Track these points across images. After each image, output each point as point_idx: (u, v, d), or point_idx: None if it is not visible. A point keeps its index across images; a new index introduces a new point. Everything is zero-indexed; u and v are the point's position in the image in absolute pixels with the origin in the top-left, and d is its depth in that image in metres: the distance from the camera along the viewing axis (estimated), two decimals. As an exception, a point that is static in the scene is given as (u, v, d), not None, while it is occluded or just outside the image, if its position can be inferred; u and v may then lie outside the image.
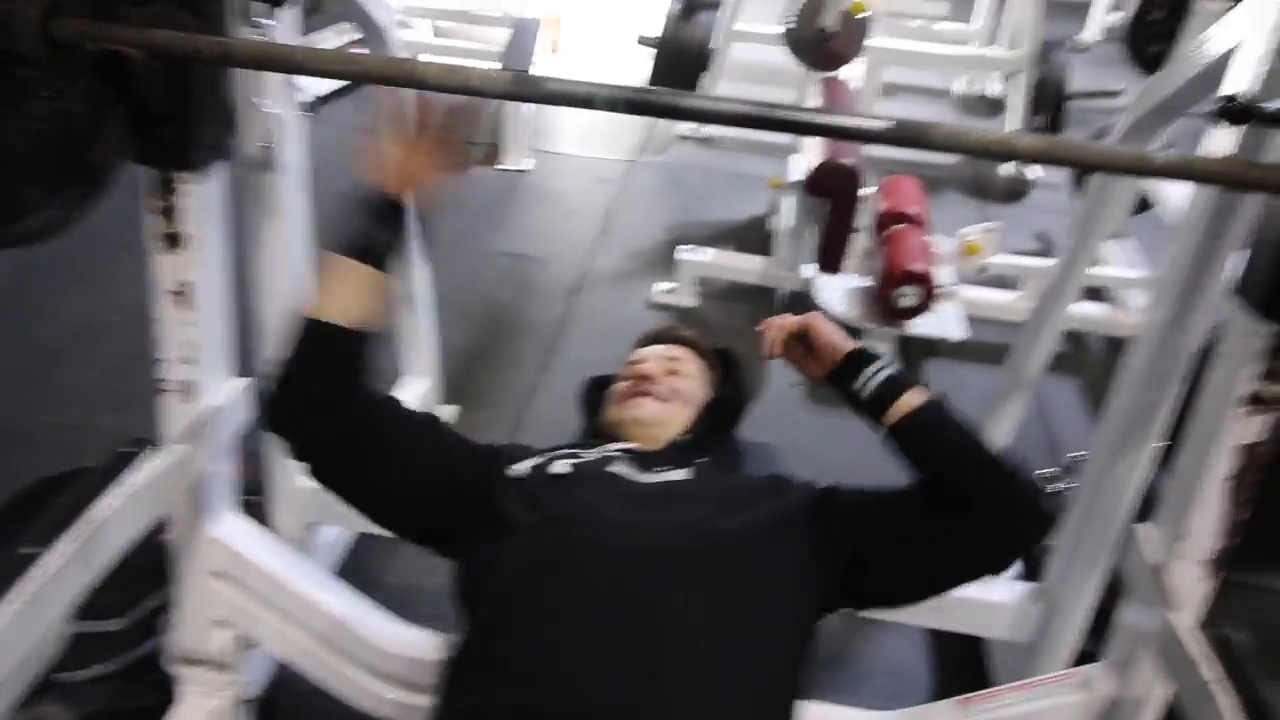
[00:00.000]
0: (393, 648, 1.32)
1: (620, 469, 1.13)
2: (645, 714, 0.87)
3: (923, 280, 2.44)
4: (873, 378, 1.06)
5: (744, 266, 2.87)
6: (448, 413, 2.30)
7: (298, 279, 1.42)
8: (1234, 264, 1.08)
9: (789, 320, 1.12)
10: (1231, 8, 1.33)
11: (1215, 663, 1.02)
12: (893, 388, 1.06)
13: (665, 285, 2.87)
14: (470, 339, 2.63)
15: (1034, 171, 3.99)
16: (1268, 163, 1.02)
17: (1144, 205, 3.19)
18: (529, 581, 0.97)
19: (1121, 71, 4.38)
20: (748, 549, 1.02)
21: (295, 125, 1.29)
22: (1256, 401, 1.05)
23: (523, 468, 1.11)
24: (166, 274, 1.16)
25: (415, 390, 2.14)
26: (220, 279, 1.22)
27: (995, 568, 1.05)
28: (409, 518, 1.09)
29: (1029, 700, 1.26)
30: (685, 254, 2.81)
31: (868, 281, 2.72)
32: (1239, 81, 1.15)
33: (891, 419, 1.05)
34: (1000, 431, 2.13)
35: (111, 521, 1.07)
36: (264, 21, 1.17)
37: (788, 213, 3.03)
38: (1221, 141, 1.19)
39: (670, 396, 1.25)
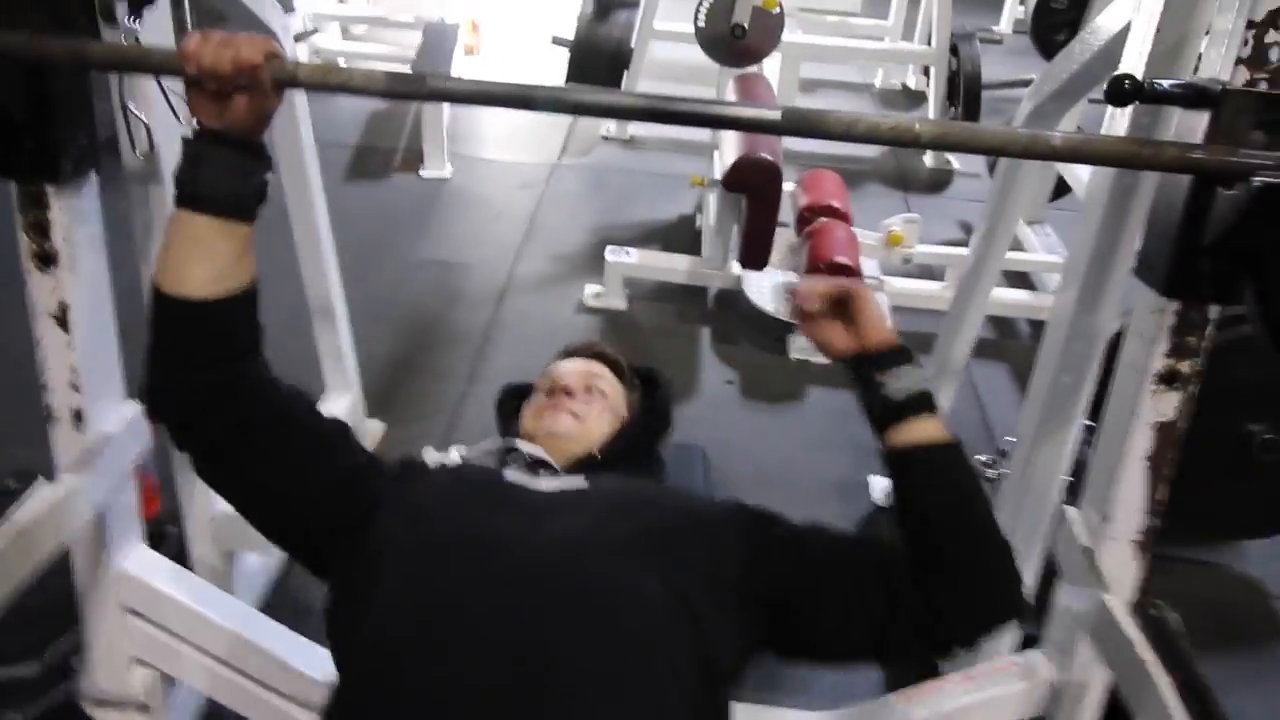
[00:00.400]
0: (317, 675, 1.26)
1: (515, 475, 1.08)
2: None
3: (850, 273, 2.44)
4: (908, 382, 0.96)
5: (671, 266, 2.84)
6: (373, 427, 2.24)
7: (320, 248, 1.35)
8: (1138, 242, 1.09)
9: (834, 284, 1.01)
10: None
11: (1149, 644, 1.01)
12: (921, 405, 0.96)
13: (594, 288, 2.84)
14: (396, 350, 2.57)
15: (956, 161, 4.04)
16: (1158, 140, 1.02)
17: (1060, 191, 3.26)
18: (403, 617, 0.90)
19: (1034, 61, 4.49)
20: (636, 561, 0.94)
21: (175, 132, 1.22)
22: (1168, 379, 1.05)
23: (403, 469, 1.06)
24: (44, 296, 1.09)
25: (338, 405, 2.08)
26: (104, 298, 1.15)
27: (952, 642, 0.96)
28: (288, 520, 1.00)
29: (973, 691, 1.25)
30: (613, 255, 2.77)
31: (794, 276, 2.72)
32: (1131, 62, 1.16)
33: (902, 439, 0.95)
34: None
35: (3, 559, 1.00)
36: (129, 25, 1.10)
37: (712, 211, 3.02)
38: (1121, 122, 1.20)
39: (585, 414, 1.20)
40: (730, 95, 2.79)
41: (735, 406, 2.47)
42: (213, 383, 0.92)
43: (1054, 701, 1.22)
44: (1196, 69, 1.12)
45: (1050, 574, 1.43)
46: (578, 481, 1.06)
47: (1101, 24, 1.36)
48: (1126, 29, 1.23)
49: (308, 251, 1.86)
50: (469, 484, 1.05)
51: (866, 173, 3.91)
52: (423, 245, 3.14)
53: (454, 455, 1.19)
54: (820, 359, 2.61)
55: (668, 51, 3.87)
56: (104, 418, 1.17)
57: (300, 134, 1.75)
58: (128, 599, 1.26)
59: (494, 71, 4.58)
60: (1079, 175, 2.78)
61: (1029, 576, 1.41)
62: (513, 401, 1.32)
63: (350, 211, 2.99)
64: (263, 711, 1.30)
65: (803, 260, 2.59)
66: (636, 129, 4.06)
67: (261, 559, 1.74)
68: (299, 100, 1.70)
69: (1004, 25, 5.96)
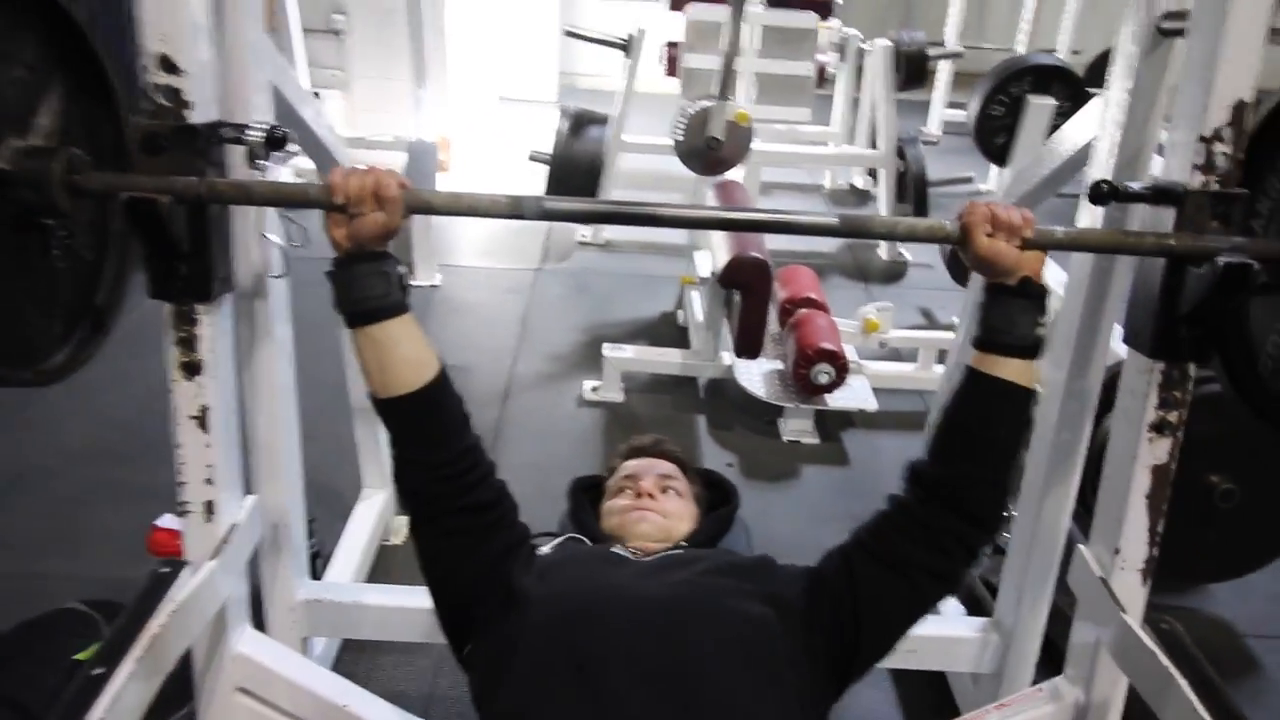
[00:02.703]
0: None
1: (621, 552, 1.26)
2: None
3: (835, 358, 2.66)
4: (1035, 328, 1.12)
5: (665, 359, 3.04)
6: (400, 523, 2.34)
7: (288, 397, 1.49)
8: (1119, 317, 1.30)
9: (1013, 213, 1.11)
10: (1060, 106, 1.59)
11: (1166, 654, 1.18)
12: (1035, 350, 1.12)
13: (592, 383, 3.01)
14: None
15: (908, 254, 4.35)
16: (1138, 231, 1.25)
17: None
18: (554, 643, 1.06)
19: (967, 160, 4.88)
20: (738, 593, 1.13)
21: (284, 256, 1.38)
22: (1159, 428, 1.25)
23: (542, 546, 1.23)
24: (187, 400, 1.23)
25: (375, 501, 2.20)
26: (233, 404, 1.30)
27: (963, 562, 1.17)
28: (465, 583, 1.17)
29: (1007, 718, 1.40)
30: (610, 351, 2.96)
31: (780, 365, 2.92)
32: (1099, 168, 1.40)
33: (1002, 370, 1.12)
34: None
35: (162, 638, 1.11)
36: (263, 163, 1.27)
37: (697, 307, 3.24)
38: (1088, 216, 1.43)
39: (669, 514, 1.39)
40: (711, 199, 3.04)
41: (740, 486, 2.62)
42: (444, 461, 1.12)
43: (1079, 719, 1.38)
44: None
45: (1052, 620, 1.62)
46: (679, 552, 1.24)
47: (1066, 135, 1.62)
48: (1084, 150, 1.48)
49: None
50: (586, 554, 1.22)
51: (829, 267, 4.19)
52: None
53: (545, 549, 1.34)
54: (809, 439, 2.82)
55: (638, 162, 4.14)
56: (231, 509, 1.30)
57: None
58: (241, 679, 1.36)
59: (467, 185, 4.82)
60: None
61: (1042, 613, 1.59)
62: (584, 495, 1.51)
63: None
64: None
65: (789, 348, 2.80)
66: (611, 233, 4.30)
67: (327, 643, 1.82)
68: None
69: (933, 128, 6.42)
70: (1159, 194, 1.20)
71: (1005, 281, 1.14)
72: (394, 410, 1.15)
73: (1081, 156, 1.51)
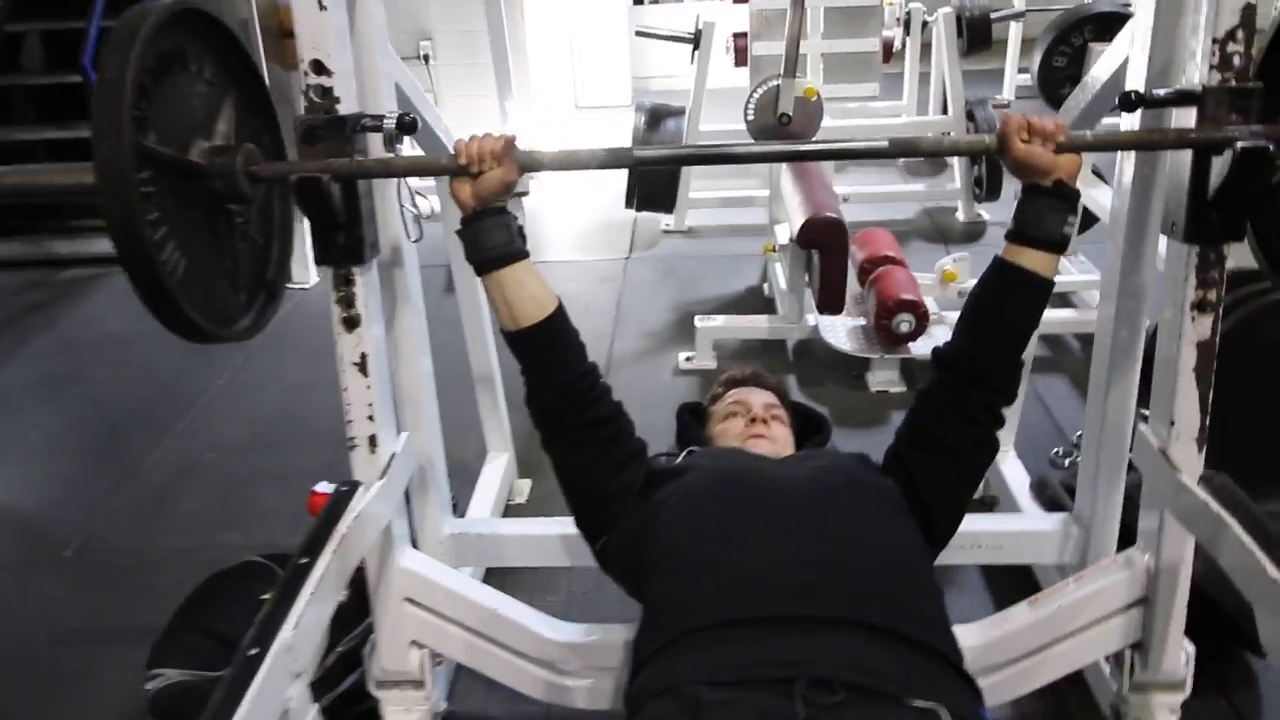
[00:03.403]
0: (556, 638, 1.59)
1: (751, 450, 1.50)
2: (849, 592, 1.16)
3: (915, 307, 2.79)
4: (1066, 226, 1.28)
5: (754, 325, 3.22)
6: (522, 485, 2.57)
7: (424, 349, 1.73)
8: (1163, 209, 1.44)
9: (1046, 121, 1.25)
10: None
11: (1218, 501, 1.31)
12: (1062, 245, 1.30)
13: (686, 353, 3.21)
14: (527, 422, 2.93)
15: (986, 214, 4.42)
16: (1164, 129, 1.38)
17: (1086, 225, 3.61)
18: (707, 520, 1.26)
19: (1042, 117, 4.91)
20: (869, 481, 1.34)
21: (419, 224, 1.62)
22: (1200, 306, 1.38)
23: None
24: (350, 350, 1.47)
25: (499, 463, 2.43)
26: (384, 352, 1.54)
27: (991, 427, 1.37)
28: (594, 483, 1.39)
29: (1087, 585, 1.54)
30: (701, 322, 3.16)
31: (863, 320, 3.07)
32: (1133, 81, 1.53)
33: (1029, 261, 1.30)
34: (1009, 427, 2.45)
35: (348, 539, 1.34)
36: (398, 146, 1.51)
37: (779, 273, 3.41)
38: (1127, 126, 1.56)
39: (776, 440, 1.58)
40: (787, 177, 3.21)
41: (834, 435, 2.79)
42: (566, 381, 1.34)
43: (1151, 582, 1.51)
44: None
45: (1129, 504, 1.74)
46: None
47: (1102, 68, 1.75)
48: (1122, 67, 1.61)
49: (473, 327, 2.25)
50: (718, 451, 1.43)
51: (908, 232, 4.30)
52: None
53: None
54: (896, 388, 2.96)
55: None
56: (389, 442, 1.54)
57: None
58: (408, 590, 1.60)
59: (552, 190, 5.09)
60: (1103, 204, 3.14)
61: (1117, 501, 1.72)
62: (691, 417, 1.71)
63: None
64: (510, 672, 1.62)
65: (871, 304, 2.94)
66: (694, 220, 4.50)
67: (471, 572, 2.04)
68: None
69: (1007, 93, 6.44)
70: (1181, 96, 1.34)
71: (1042, 183, 1.29)
72: (523, 340, 1.37)
73: (1121, 75, 1.64)
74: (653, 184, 4.12)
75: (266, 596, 1.87)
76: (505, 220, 1.34)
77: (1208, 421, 1.42)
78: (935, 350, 1.39)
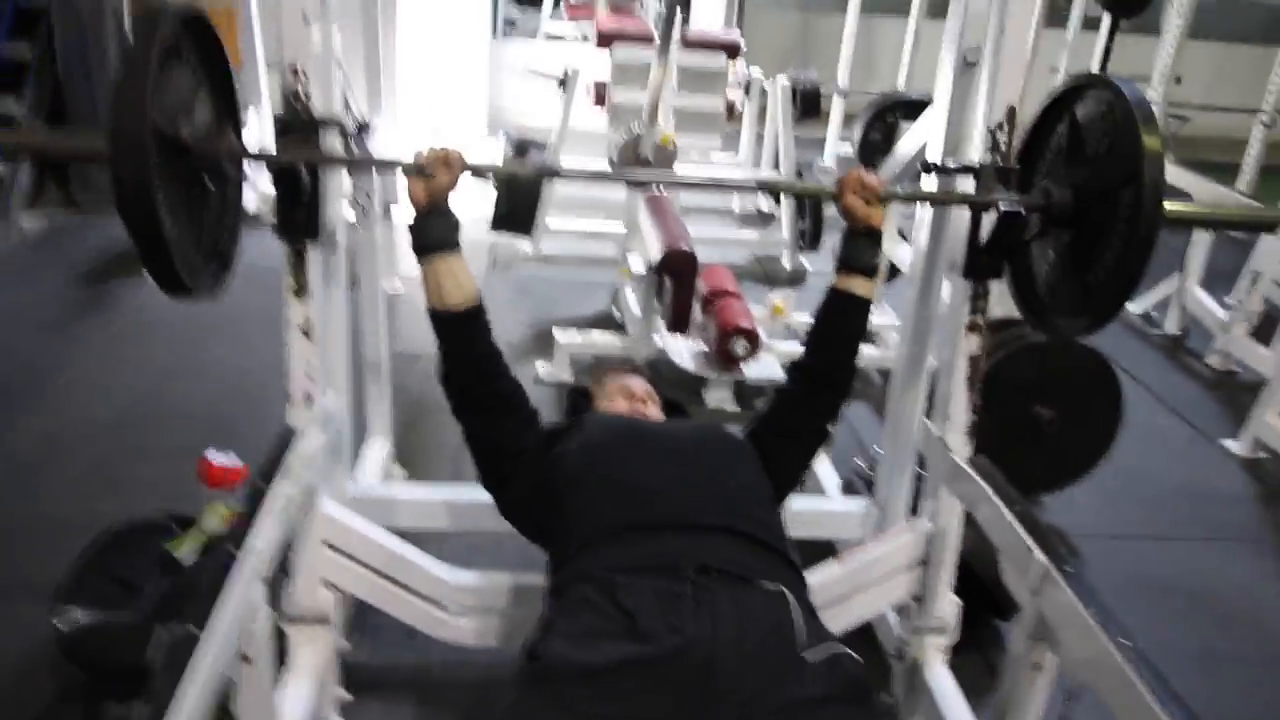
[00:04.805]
0: (452, 580, 1.86)
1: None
2: (717, 507, 1.50)
3: (750, 334, 3.22)
4: (875, 256, 1.71)
5: (608, 341, 3.57)
6: (399, 473, 2.79)
7: (341, 325, 1.96)
8: (948, 254, 1.89)
9: (871, 179, 1.67)
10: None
11: (980, 475, 1.76)
12: (875, 271, 1.72)
13: (544, 365, 3.52)
14: (399, 421, 3.14)
15: (808, 264, 4.98)
16: (955, 192, 1.84)
17: (892, 275, 4.20)
18: (607, 453, 1.58)
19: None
20: (733, 438, 1.70)
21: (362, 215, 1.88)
22: (972, 327, 1.84)
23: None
24: (296, 315, 1.71)
25: (378, 447, 2.65)
26: (329, 319, 1.77)
27: (831, 419, 1.78)
28: (498, 445, 1.66)
29: (884, 544, 1.97)
30: (561, 336, 3.48)
31: (704, 345, 3.48)
32: (931, 154, 1.99)
33: (853, 287, 1.72)
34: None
35: (292, 475, 1.58)
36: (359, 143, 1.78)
37: (631, 299, 3.79)
38: (929, 184, 2.02)
39: (653, 416, 1.92)
40: (643, 211, 3.59)
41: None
42: (479, 358, 1.60)
43: (929, 544, 1.95)
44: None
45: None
46: None
47: (907, 144, 2.23)
48: (923, 144, 2.08)
49: (370, 320, 2.48)
50: (609, 414, 1.75)
51: (741, 274, 4.75)
52: (396, 343, 3.74)
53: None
54: (730, 407, 3.38)
55: (572, 188, 4.67)
56: (323, 402, 1.77)
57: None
58: (326, 534, 1.82)
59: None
60: (905, 260, 3.70)
61: (906, 485, 2.16)
62: (578, 397, 2.03)
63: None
64: (410, 612, 1.87)
65: (711, 330, 3.35)
66: (549, 248, 4.81)
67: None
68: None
69: (829, 160, 7.17)
70: (963, 168, 1.80)
71: (858, 227, 1.72)
72: (446, 320, 1.65)
73: (922, 150, 2.12)
74: (516, 209, 4.41)
75: (169, 546, 2.06)
76: (449, 219, 1.63)
77: (974, 419, 1.87)
78: (792, 362, 1.79)
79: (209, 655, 1.16)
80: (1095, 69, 4.76)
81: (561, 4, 7.50)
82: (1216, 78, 7.17)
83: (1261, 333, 4.05)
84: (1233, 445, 3.55)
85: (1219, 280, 4.46)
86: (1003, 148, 1.76)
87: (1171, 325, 4.60)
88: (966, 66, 1.89)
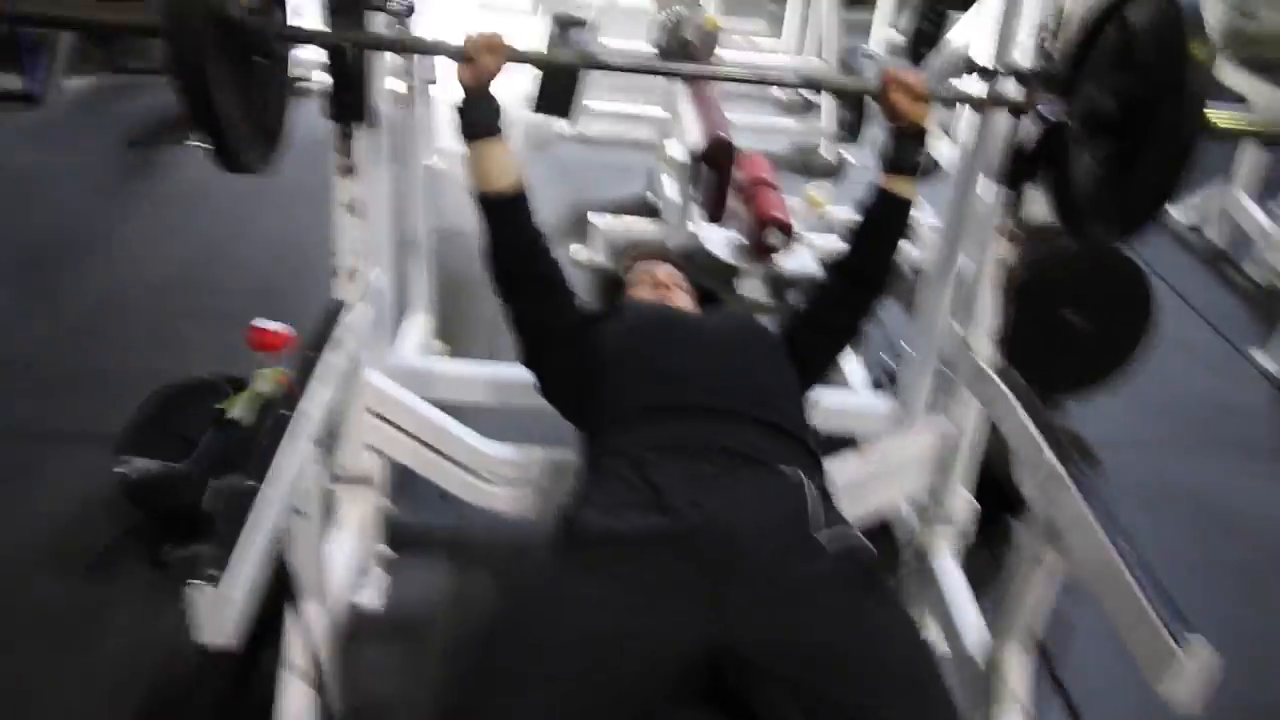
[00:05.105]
0: (490, 452, 1.97)
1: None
2: (743, 395, 1.58)
3: (785, 224, 3.24)
4: (921, 157, 1.71)
5: (642, 227, 3.60)
6: (439, 348, 2.88)
7: (387, 204, 2.01)
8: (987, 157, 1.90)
9: (915, 78, 1.65)
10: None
11: (1002, 379, 1.81)
12: (919, 171, 1.72)
13: (579, 248, 3.57)
14: (438, 297, 3.23)
15: (849, 155, 4.93)
16: (994, 94, 1.83)
17: (927, 171, 4.15)
18: (642, 339, 1.66)
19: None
20: (761, 330, 1.77)
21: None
22: (1006, 233, 1.86)
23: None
24: (344, 193, 1.76)
25: (417, 322, 2.73)
26: (373, 199, 1.83)
27: (864, 317, 1.80)
28: (546, 324, 1.74)
29: (901, 441, 2.04)
30: (596, 220, 3.51)
31: (739, 235, 3.51)
32: (978, 53, 1.97)
33: (898, 187, 1.72)
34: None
35: (339, 345, 1.66)
36: (405, 24, 1.80)
37: (668, 184, 3.80)
38: (970, 87, 2.01)
39: (683, 303, 1.97)
40: (683, 95, 3.56)
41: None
42: (522, 241, 1.65)
43: (948, 442, 2.02)
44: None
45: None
46: None
47: (952, 42, 2.20)
48: (967, 42, 2.06)
49: (410, 200, 2.53)
50: (648, 301, 1.82)
51: (778, 163, 4.75)
52: (437, 219, 3.80)
53: None
54: (761, 297, 3.43)
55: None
56: (368, 276, 1.85)
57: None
58: (370, 402, 1.92)
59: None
60: (945, 155, 3.67)
61: (927, 382, 2.22)
62: (612, 285, 2.09)
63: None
64: (449, 479, 1.99)
65: (747, 218, 3.37)
66: (586, 128, 4.79)
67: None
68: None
69: (876, 45, 6.97)
70: (1008, 71, 1.79)
71: (903, 125, 1.72)
72: (491, 203, 1.69)
73: (963, 54, 2.09)
74: (557, 92, 4.37)
75: (221, 405, 2.18)
76: (494, 104, 1.66)
77: (999, 322, 1.91)
78: (833, 259, 1.81)
79: (268, 507, 1.26)
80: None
81: None
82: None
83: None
84: (1260, 356, 3.56)
85: (1274, 187, 4.36)
86: (1049, 51, 1.75)
87: (1216, 235, 4.53)
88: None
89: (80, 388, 2.54)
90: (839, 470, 1.98)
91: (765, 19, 6.07)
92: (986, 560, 2.34)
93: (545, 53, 1.71)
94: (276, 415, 1.45)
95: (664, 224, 3.63)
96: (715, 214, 3.19)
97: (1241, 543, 2.68)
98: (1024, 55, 1.77)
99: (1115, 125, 1.66)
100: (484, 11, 6.55)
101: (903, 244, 1.81)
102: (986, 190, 1.88)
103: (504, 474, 1.98)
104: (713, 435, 1.46)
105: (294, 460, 1.40)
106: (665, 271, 2.03)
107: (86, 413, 2.42)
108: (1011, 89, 1.78)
